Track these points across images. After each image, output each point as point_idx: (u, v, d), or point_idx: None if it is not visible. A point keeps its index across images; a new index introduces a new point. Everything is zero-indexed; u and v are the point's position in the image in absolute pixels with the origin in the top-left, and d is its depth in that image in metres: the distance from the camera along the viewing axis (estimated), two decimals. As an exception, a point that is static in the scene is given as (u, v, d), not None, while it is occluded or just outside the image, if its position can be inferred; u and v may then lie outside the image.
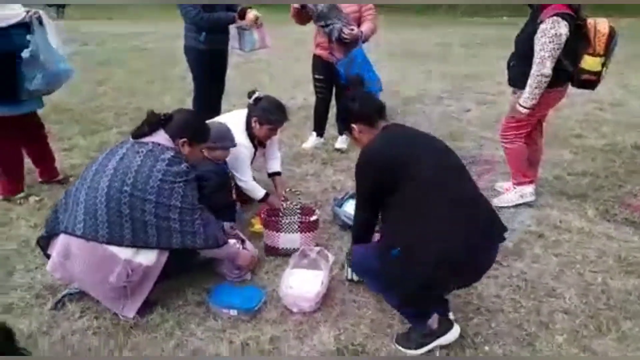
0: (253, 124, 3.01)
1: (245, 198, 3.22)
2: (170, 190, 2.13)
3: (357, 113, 2.19)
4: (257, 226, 3.00)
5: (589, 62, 2.98)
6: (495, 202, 3.41)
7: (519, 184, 3.47)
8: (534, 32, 3.00)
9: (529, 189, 3.47)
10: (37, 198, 3.40)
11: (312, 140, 4.54)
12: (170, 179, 2.14)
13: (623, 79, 7.37)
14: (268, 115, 2.99)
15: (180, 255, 2.28)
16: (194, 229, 2.21)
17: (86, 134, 4.89)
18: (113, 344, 2.12)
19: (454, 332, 2.10)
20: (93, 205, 2.09)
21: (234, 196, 3.06)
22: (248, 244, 2.67)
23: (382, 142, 2.07)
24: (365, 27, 3.93)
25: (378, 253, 2.01)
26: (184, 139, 2.29)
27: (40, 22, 3.06)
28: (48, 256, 2.27)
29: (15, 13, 2.97)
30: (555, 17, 2.91)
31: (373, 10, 4.00)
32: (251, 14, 3.85)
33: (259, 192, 3.09)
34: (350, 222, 2.61)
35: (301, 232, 2.77)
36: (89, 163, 2.31)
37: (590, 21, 2.98)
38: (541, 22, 2.96)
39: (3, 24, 2.91)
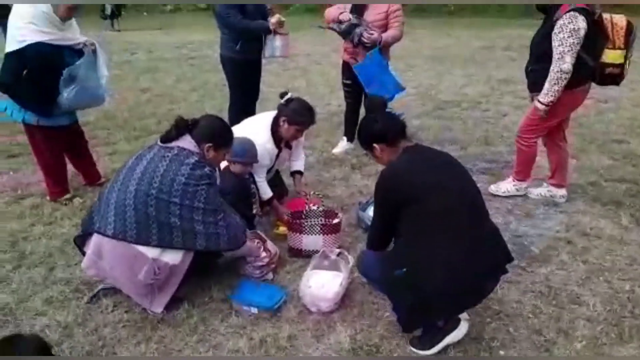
0: (281, 124, 3.12)
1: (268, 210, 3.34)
2: (193, 192, 2.26)
3: (379, 133, 2.23)
4: (282, 228, 3.09)
5: (611, 56, 2.95)
6: (492, 189, 3.65)
7: (519, 180, 3.61)
8: (549, 33, 2.98)
9: (561, 191, 3.51)
10: (80, 200, 3.62)
11: (342, 145, 4.61)
12: (194, 182, 2.26)
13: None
14: (297, 116, 3.09)
15: (205, 255, 2.40)
16: (217, 231, 2.32)
17: (130, 139, 5.15)
18: (141, 337, 2.26)
19: (462, 329, 2.13)
20: (122, 207, 2.24)
21: (258, 209, 3.16)
22: (269, 243, 2.76)
23: (401, 166, 2.14)
24: (387, 34, 3.99)
25: (383, 268, 2.12)
26: (209, 144, 2.41)
27: (94, 52, 3.32)
28: (84, 254, 2.44)
29: (73, 37, 3.25)
30: (572, 12, 2.91)
31: (399, 17, 4.03)
32: (275, 17, 3.96)
33: (266, 193, 3.20)
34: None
35: (323, 234, 2.84)
36: (120, 166, 2.46)
37: (606, 16, 2.96)
38: (557, 19, 2.93)
39: (59, 43, 3.15)
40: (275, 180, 3.53)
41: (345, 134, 4.64)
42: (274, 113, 3.19)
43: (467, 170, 2.24)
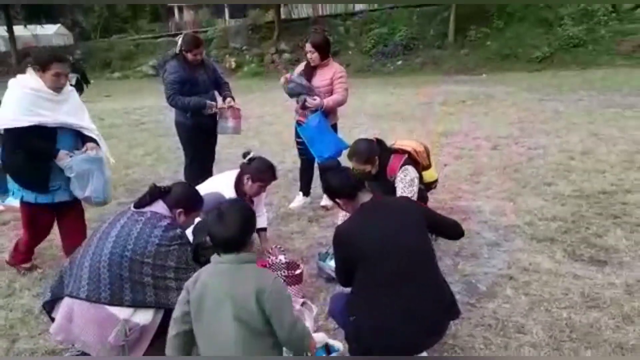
0: (245, 181, 3.32)
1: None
2: (165, 252, 2.39)
3: (338, 190, 2.52)
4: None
5: (427, 175, 3.76)
6: None
7: None
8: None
9: None
10: (39, 270, 3.60)
11: (298, 199, 4.83)
12: (166, 243, 2.40)
13: (594, 128, 7.82)
14: (260, 173, 3.30)
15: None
16: None
17: (86, 205, 5.13)
18: (113, 399, 2.29)
19: None
20: (96, 270, 2.32)
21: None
22: None
23: (352, 227, 2.40)
24: (330, 99, 4.32)
25: (342, 312, 2.33)
26: (180, 210, 2.58)
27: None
28: (53, 319, 2.47)
29: (71, 121, 3.24)
30: (403, 167, 3.43)
31: (343, 84, 4.36)
32: (226, 102, 4.38)
33: None
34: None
35: (287, 286, 2.98)
36: (93, 232, 2.56)
37: (406, 148, 3.59)
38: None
39: (53, 125, 3.14)
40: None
41: (301, 189, 4.87)
42: (236, 171, 3.39)
43: (418, 221, 2.43)
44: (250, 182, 3.31)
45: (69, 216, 3.48)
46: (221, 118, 4.38)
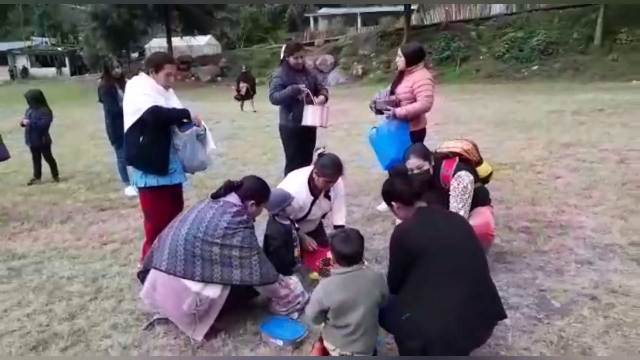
0: (314, 176, 3.54)
1: (309, 252, 3.69)
2: (232, 234, 2.71)
3: (397, 194, 2.64)
4: (314, 274, 3.43)
5: (482, 171, 3.61)
6: None
7: None
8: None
9: None
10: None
11: (387, 203, 4.92)
12: (234, 227, 2.73)
13: None
14: (324, 169, 3.49)
15: (242, 292, 2.82)
16: (251, 266, 2.74)
17: (201, 196, 5.79)
18: (182, 358, 2.65)
19: None
20: (175, 247, 2.73)
21: (298, 251, 3.53)
22: (298, 286, 3.11)
23: (412, 225, 2.51)
24: (405, 106, 4.33)
25: (392, 312, 2.39)
26: (252, 201, 2.91)
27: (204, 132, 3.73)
28: (146, 287, 2.93)
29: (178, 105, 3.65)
30: (457, 175, 3.35)
31: (423, 91, 4.28)
32: (318, 98, 4.65)
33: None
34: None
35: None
36: (178, 215, 2.98)
37: (456, 150, 3.52)
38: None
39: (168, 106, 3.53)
40: (318, 232, 3.92)
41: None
42: (311, 168, 3.64)
43: (470, 228, 2.56)
44: (316, 177, 3.51)
45: (179, 200, 3.92)
46: (307, 111, 4.58)
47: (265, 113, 13.99)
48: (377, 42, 26.92)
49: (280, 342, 2.71)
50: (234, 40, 41.23)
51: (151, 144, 3.54)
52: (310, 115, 4.56)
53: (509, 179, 5.96)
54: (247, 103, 15.77)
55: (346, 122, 11.15)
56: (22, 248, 4.32)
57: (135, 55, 39.06)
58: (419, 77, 4.35)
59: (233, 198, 2.89)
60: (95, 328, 2.99)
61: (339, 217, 3.84)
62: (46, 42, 48.81)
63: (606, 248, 3.77)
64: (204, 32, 35.44)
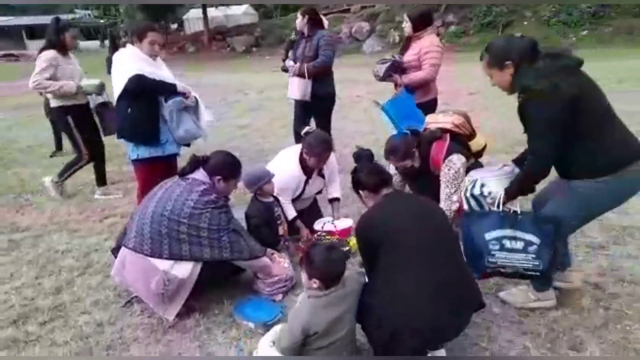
0: (304, 155, 3.39)
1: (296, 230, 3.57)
2: (199, 215, 2.61)
3: (363, 182, 2.51)
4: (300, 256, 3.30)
5: (475, 145, 3.39)
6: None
7: None
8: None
9: None
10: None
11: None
12: (200, 207, 2.62)
13: None
14: (311, 147, 3.34)
15: (211, 269, 2.71)
16: (220, 244, 2.65)
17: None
18: (152, 339, 2.61)
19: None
20: (141, 225, 2.65)
21: (284, 229, 3.41)
22: (289, 267, 3.01)
23: (375, 212, 2.37)
24: (408, 75, 4.11)
25: (362, 298, 2.23)
26: (219, 177, 2.78)
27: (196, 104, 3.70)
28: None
29: (166, 75, 3.58)
30: (448, 159, 3.12)
31: (429, 59, 4.03)
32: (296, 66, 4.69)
33: (290, 213, 3.48)
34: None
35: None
36: (149, 192, 2.90)
37: (445, 126, 3.30)
38: None
39: (154, 76, 3.44)
40: (312, 208, 3.78)
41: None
42: (300, 146, 3.48)
43: (443, 214, 2.43)
44: (306, 156, 3.37)
45: (174, 172, 3.89)
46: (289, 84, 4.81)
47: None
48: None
49: (252, 325, 2.62)
50: (270, 9, 40.70)
51: (139, 114, 3.50)
52: (290, 88, 4.73)
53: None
54: None
55: (374, 92, 10.81)
56: (28, 221, 4.40)
57: (174, 26, 39.25)
58: (427, 43, 4.08)
59: (200, 175, 2.77)
60: (76, 303, 2.99)
61: (333, 190, 3.74)
62: (89, 15, 49.79)
63: (623, 231, 3.45)
64: (238, 2, 35.09)
